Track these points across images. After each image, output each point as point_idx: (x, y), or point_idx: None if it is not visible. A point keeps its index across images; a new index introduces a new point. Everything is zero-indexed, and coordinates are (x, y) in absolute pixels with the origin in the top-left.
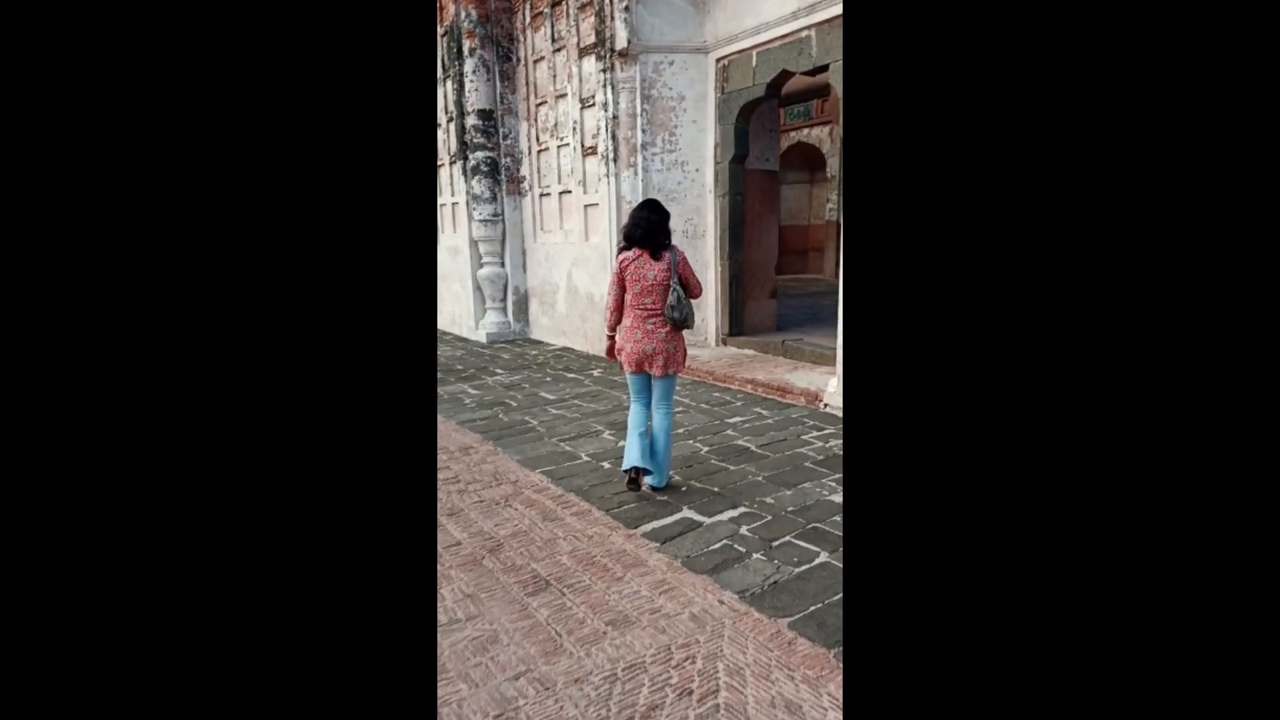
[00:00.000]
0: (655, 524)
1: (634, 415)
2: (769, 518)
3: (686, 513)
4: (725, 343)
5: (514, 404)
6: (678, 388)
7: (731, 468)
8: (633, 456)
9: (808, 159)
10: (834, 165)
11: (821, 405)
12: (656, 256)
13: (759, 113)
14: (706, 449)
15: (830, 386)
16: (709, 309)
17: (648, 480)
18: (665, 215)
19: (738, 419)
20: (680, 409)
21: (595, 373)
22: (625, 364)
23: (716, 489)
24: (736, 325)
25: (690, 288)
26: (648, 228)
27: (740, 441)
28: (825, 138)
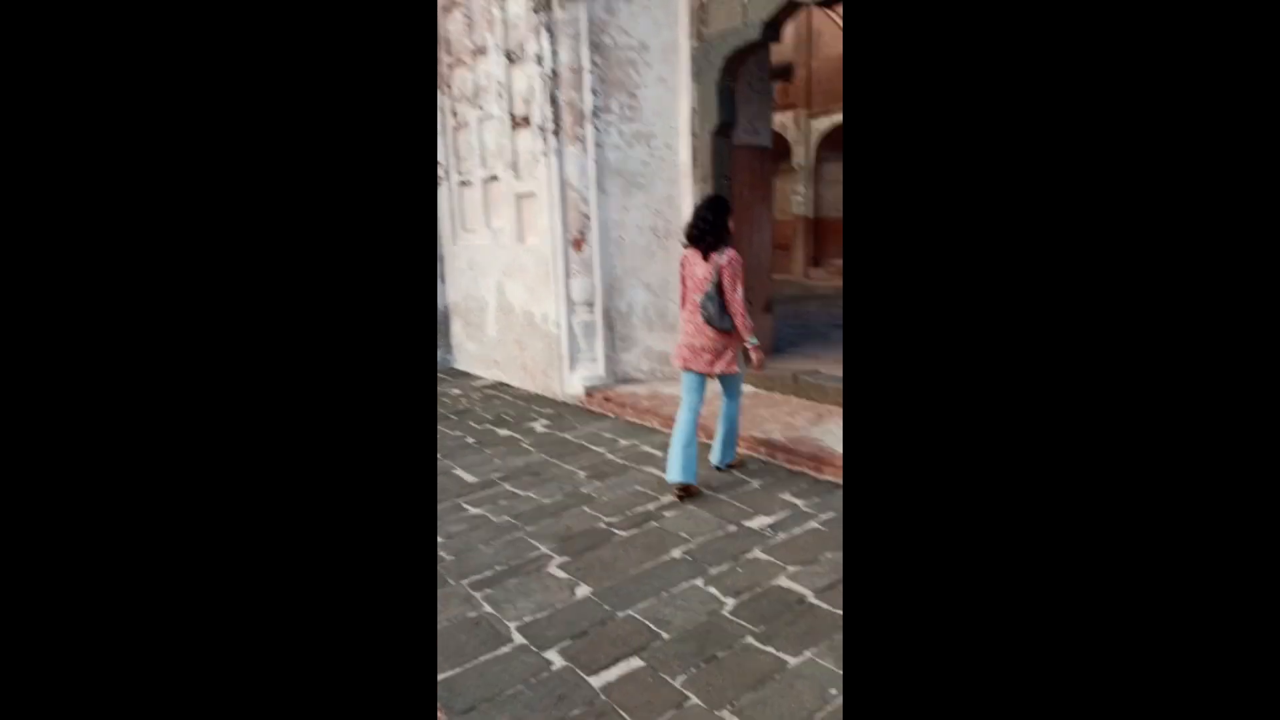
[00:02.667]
0: None
1: (680, 423)
2: None
3: None
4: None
5: None
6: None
7: (790, 662)
8: (674, 471)
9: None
10: (800, 154)
11: None
12: (706, 256)
13: (747, 67)
14: (733, 602)
15: None
16: None
17: (712, 459)
18: (723, 214)
19: (763, 520)
20: (670, 497)
21: (539, 426)
22: (675, 358)
23: None
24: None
25: (723, 293)
26: (703, 228)
27: (784, 581)
28: (789, 124)
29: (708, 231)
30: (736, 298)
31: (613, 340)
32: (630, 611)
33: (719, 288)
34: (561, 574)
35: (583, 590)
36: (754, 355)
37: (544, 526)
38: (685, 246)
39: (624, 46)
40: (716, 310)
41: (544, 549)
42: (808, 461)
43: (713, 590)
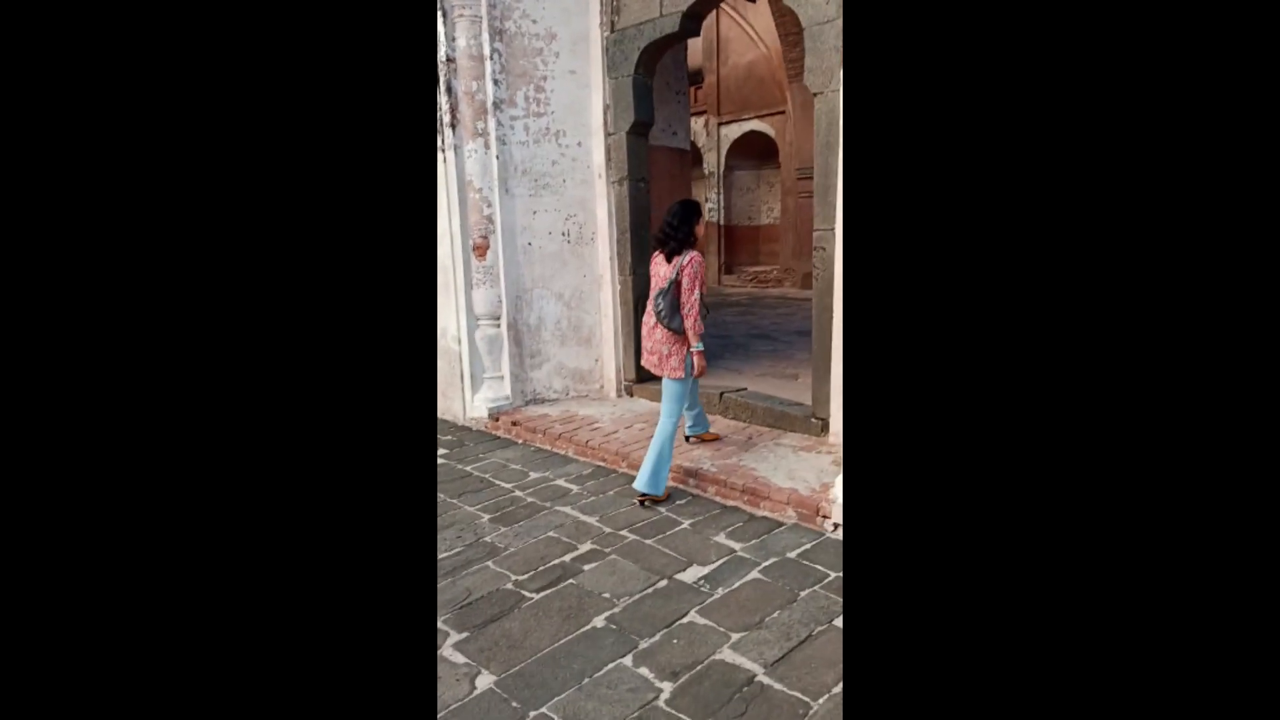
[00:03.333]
0: None
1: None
2: None
3: None
4: (632, 393)
5: None
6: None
7: None
8: (688, 423)
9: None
10: (711, 161)
11: (829, 525)
12: (669, 259)
13: (664, 63)
14: (670, 687)
15: (836, 485)
16: (605, 344)
17: (636, 485)
18: (690, 217)
19: (697, 571)
20: (589, 545)
21: (436, 456)
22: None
23: None
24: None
25: (679, 293)
26: (668, 231)
27: (728, 654)
28: (700, 130)
29: (671, 235)
30: (692, 299)
31: (521, 357)
32: (545, 709)
33: (675, 286)
34: (459, 657)
35: (485, 680)
36: (696, 360)
37: (439, 590)
38: (654, 249)
39: (530, 34)
40: (669, 308)
41: (438, 622)
42: (741, 495)
43: (644, 671)
